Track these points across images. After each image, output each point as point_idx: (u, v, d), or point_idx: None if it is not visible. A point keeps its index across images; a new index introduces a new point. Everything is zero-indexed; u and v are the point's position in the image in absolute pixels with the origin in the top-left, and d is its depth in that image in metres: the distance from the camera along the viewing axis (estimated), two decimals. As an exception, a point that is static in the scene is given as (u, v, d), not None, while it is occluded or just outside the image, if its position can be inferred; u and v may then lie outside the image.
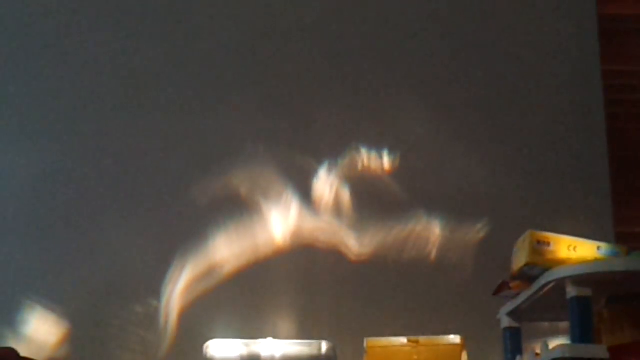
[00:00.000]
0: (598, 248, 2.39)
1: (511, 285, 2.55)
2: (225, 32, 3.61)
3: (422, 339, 2.58)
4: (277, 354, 2.61)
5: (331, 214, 3.45)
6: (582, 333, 2.23)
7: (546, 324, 3.05)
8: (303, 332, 3.23)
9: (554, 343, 2.36)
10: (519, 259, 2.43)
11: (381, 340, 2.61)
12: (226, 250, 3.39)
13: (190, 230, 3.40)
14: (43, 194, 3.44)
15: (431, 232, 3.41)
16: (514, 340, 2.67)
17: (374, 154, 3.50)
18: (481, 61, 3.62)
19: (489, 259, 3.29)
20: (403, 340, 2.59)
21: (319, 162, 3.49)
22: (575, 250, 2.37)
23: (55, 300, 3.32)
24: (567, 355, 2.21)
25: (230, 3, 3.63)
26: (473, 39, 3.64)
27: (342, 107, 3.55)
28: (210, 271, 3.37)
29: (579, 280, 2.25)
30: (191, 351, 3.02)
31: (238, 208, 3.43)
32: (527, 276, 2.42)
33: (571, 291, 2.27)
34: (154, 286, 3.35)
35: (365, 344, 2.62)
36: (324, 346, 2.63)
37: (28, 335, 3.28)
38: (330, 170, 3.48)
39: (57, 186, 3.45)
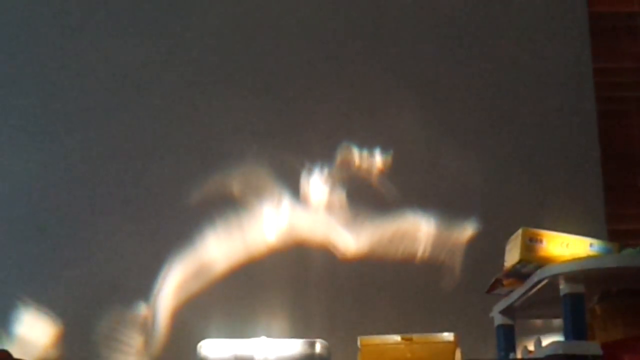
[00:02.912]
0: (590, 245, 2.39)
1: (504, 282, 2.56)
2: (217, 31, 3.60)
3: (416, 336, 2.59)
4: (271, 353, 2.61)
5: (323, 213, 3.44)
6: (575, 330, 2.24)
7: (539, 321, 3.05)
8: (296, 331, 3.23)
9: (547, 340, 2.36)
10: (512, 256, 2.43)
11: (375, 339, 2.61)
12: (218, 249, 3.39)
13: (183, 230, 3.39)
14: (35, 195, 3.43)
15: (424, 230, 3.41)
16: (508, 338, 2.68)
17: (366, 153, 3.50)
18: (472, 59, 3.62)
19: (481, 256, 3.29)
20: (397, 338, 2.59)
21: (311, 161, 3.48)
22: (568, 247, 2.37)
23: (47, 301, 3.31)
24: (560, 352, 2.21)
25: (223, 1, 3.63)
26: (464, 37, 3.64)
27: (334, 105, 3.55)
28: (202, 271, 3.36)
29: (572, 277, 2.25)
30: (184, 351, 3.02)
31: (230, 207, 3.42)
32: (520, 273, 2.43)
33: (564, 288, 2.27)
34: (147, 286, 3.34)
35: (359, 342, 2.62)
36: (318, 345, 2.63)
37: (21, 336, 3.27)
38: (322, 168, 3.48)
39: (49, 187, 3.44)
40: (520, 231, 2.40)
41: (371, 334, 2.63)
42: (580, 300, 2.26)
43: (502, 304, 2.65)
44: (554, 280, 2.28)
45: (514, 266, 2.41)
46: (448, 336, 2.58)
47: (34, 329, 3.29)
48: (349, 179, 3.48)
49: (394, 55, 3.61)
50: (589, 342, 2.25)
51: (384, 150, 3.50)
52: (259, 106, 3.54)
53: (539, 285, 2.34)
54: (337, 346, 2.69)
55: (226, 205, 3.42)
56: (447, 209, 3.42)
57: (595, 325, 2.43)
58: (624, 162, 3.57)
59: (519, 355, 2.58)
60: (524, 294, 2.46)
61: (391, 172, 3.48)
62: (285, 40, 3.60)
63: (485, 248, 3.27)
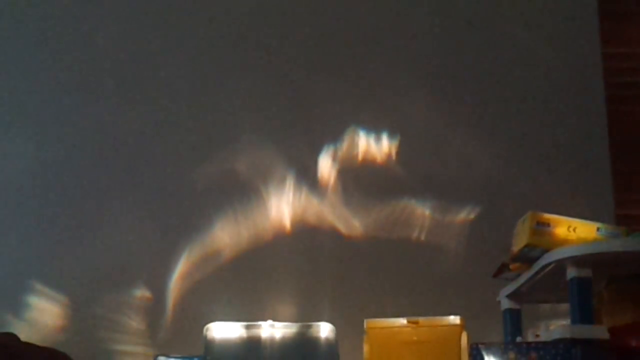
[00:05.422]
0: (598, 229, 2.39)
1: (511, 266, 2.56)
2: (223, 17, 3.60)
3: (422, 319, 2.58)
4: (277, 336, 2.61)
5: (331, 197, 3.44)
6: (582, 314, 2.24)
7: (546, 306, 3.04)
8: (303, 315, 3.24)
9: (554, 324, 2.36)
10: (519, 240, 2.43)
11: (381, 321, 2.60)
12: (226, 233, 3.39)
13: (190, 214, 3.40)
14: (42, 181, 3.44)
15: (432, 213, 3.41)
16: (514, 322, 2.68)
17: (373, 137, 3.49)
18: (480, 45, 3.61)
19: (489, 240, 3.30)
20: (403, 321, 2.59)
21: (318, 145, 3.48)
22: (575, 231, 2.37)
23: (55, 285, 3.32)
24: (567, 336, 2.21)
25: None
26: (472, 23, 3.63)
27: (341, 90, 3.55)
28: (210, 255, 3.37)
29: (579, 261, 2.25)
30: (192, 333, 3.02)
31: (238, 192, 3.43)
32: (527, 257, 2.42)
33: (571, 272, 2.27)
34: (155, 270, 3.35)
35: (365, 325, 2.62)
36: (324, 328, 2.63)
37: (28, 320, 3.29)
38: (329, 153, 3.47)
39: (56, 173, 3.45)
40: (527, 215, 2.39)
41: (377, 317, 2.63)
42: (588, 285, 2.26)
43: (509, 288, 2.65)
44: (561, 264, 2.28)
45: (521, 250, 2.41)
46: (454, 319, 2.58)
47: (41, 312, 3.30)
48: (356, 163, 3.47)
49: (402, 42, 3.60)
50: (596, 326, 2.25)
51: (392, 135, 3.50)
52: (267, 91, 3.54)
53: (546, 270, 2.34)
54: (344, 329, 2.69)
55: (234, 189, 3.42)
56: (455, 192, 3.42)
57: (602, 309, 2.43)
58: (632, 147, 3.56)
59: (525, 339, 2.58)
60: (531, 278, 2.45)
61: (398, 155, 3.48)
62: (293, 23, 3.60)
63: (493, 232, 3.27)
